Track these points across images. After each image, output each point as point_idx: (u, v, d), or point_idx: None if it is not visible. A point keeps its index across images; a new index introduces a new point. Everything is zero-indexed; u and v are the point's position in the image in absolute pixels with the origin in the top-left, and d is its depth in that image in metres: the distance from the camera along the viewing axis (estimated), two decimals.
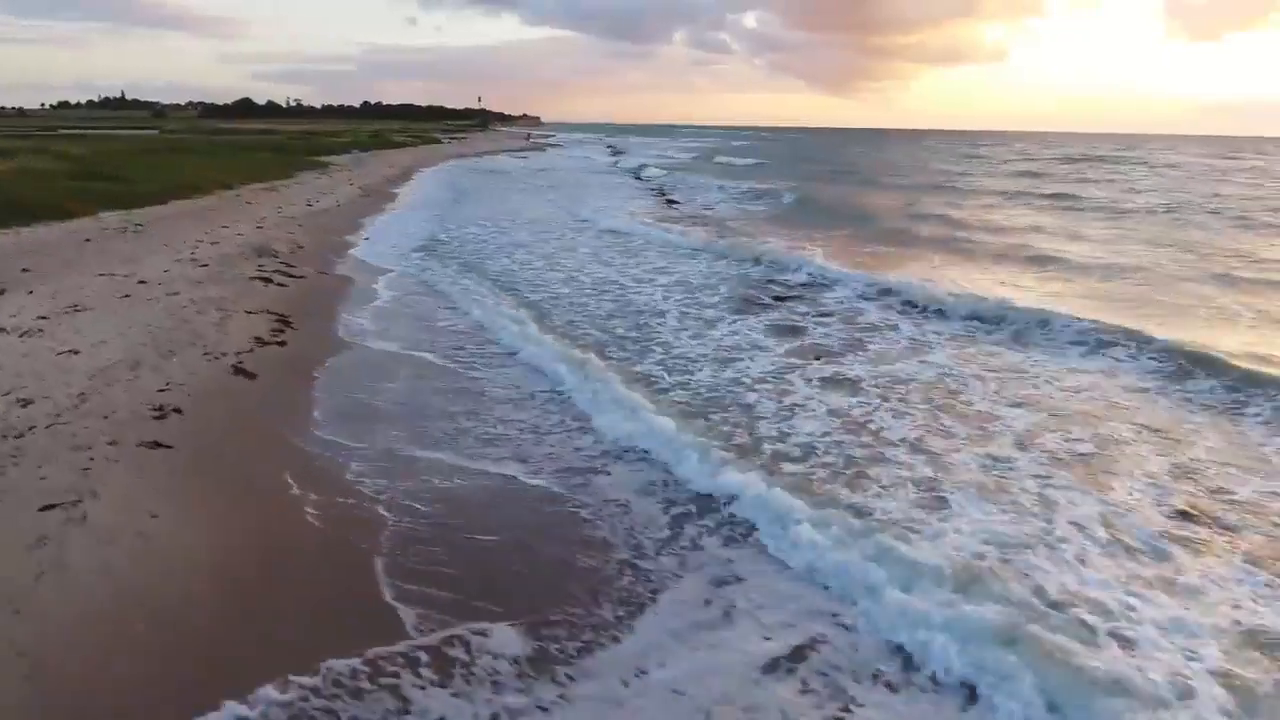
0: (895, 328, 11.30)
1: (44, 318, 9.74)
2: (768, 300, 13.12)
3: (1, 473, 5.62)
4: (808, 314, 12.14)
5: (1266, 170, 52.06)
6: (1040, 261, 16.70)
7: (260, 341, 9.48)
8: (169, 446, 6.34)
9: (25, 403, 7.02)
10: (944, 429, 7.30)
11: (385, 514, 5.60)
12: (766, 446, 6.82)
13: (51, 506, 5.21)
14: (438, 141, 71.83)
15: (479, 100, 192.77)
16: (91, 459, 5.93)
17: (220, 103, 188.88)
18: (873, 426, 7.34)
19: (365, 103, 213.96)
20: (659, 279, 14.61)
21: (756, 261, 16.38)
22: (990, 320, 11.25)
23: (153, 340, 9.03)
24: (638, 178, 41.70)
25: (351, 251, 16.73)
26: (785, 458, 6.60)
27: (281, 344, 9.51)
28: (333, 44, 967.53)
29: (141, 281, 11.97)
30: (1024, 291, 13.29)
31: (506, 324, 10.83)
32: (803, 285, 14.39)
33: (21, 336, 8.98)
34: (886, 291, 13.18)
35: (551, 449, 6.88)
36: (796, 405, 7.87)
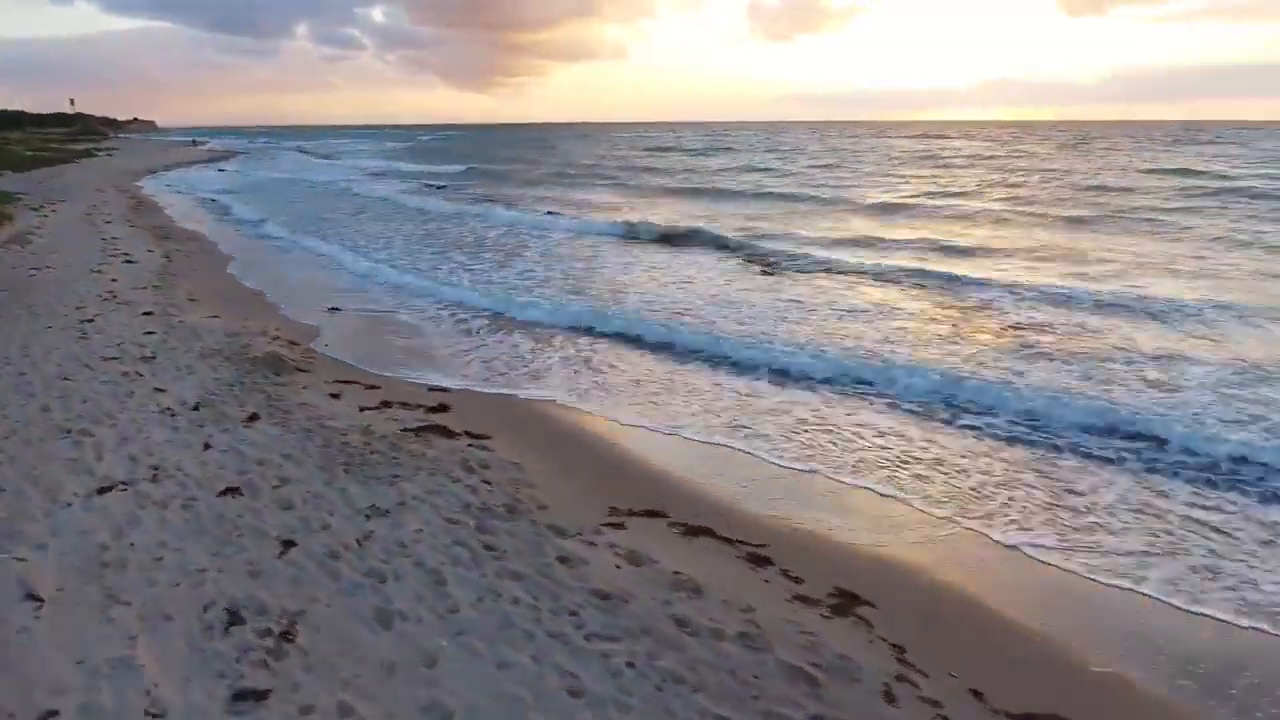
0: None
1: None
2: None
3: None
4: None
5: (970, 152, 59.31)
6: None
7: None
8: None
9: None
10: None
11: None
12: None
13: None
14: (89, 154, 54.31)
15: (71, 104, 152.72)
16: None
17: None
18: None
19: None
20: None
21: None
22: None
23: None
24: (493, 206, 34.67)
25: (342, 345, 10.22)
26: None
27: (858, 609, 4.37)
28: None
29: (230, 490, 5.36)
30: None
31: None
32: None
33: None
34: None
35: None
36: None
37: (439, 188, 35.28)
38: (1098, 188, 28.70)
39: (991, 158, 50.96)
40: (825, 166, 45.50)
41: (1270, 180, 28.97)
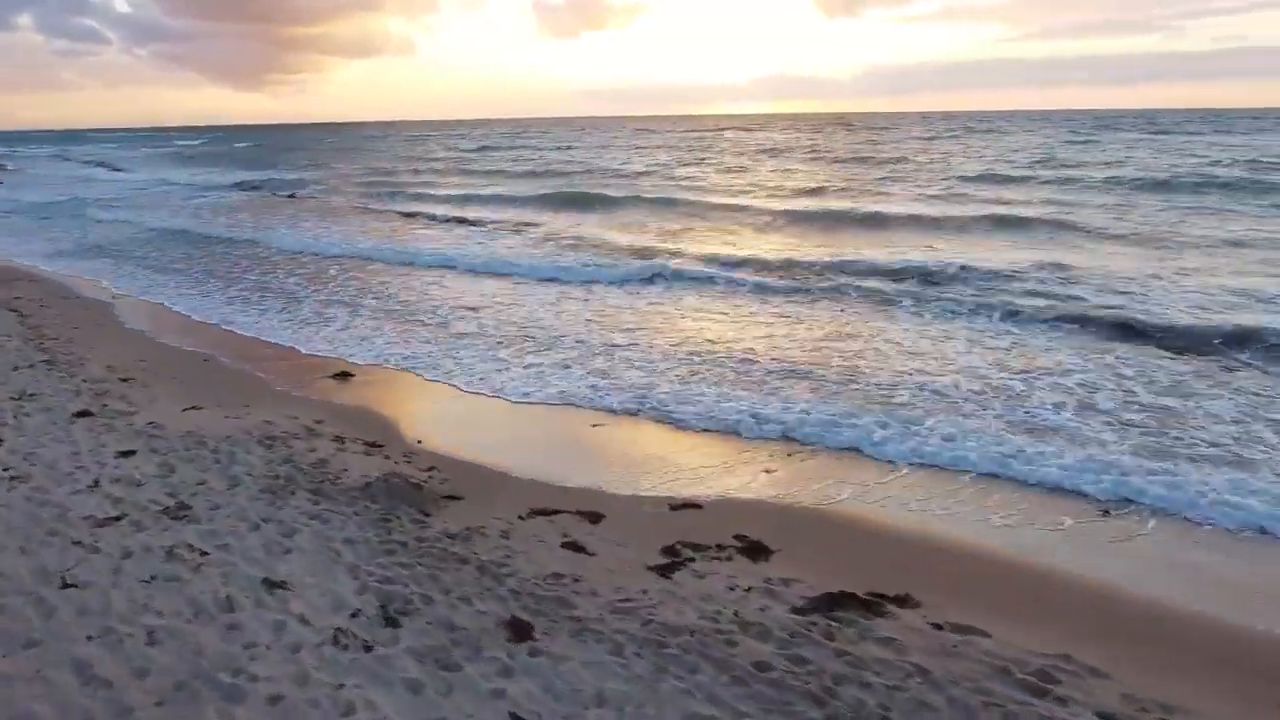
0: None
1: None
2: None
3: None
4: None
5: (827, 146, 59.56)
6: None
7: None
8: None
9: None
10: None
11: None
12: None
13: None
14: None
15: None
16: None
17: None
18: None
19: None
20: None
21: None
22: None
23: None
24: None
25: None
26: None
27: None
28: None
29: None
30: None
31: None
32: None
33: None
34: None
35: None
36: None
37: (289, 196, 29.82)
38: (987, 178, 28.47)
39: (828, 150, 51.80)
40: (689, 164, 43.20)
41: (1111, 168, 31.11)
